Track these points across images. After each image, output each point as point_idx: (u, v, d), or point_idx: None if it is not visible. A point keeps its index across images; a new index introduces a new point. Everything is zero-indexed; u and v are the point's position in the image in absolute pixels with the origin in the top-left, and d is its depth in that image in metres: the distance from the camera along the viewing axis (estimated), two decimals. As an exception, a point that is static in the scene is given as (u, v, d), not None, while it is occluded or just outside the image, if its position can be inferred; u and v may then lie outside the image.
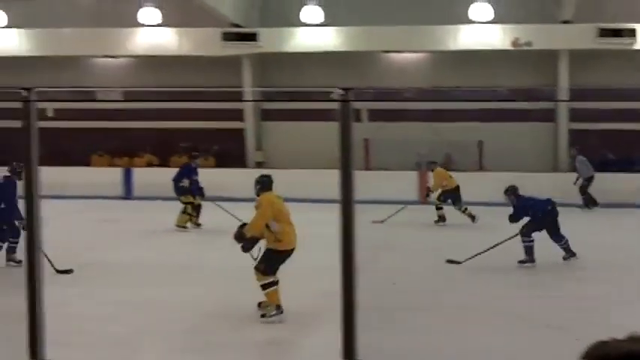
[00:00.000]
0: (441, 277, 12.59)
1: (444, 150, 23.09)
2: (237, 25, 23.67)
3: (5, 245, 13.23)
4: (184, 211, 17.52)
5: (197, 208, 17.77)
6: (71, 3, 24.87)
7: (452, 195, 18.58)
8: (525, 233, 13.50)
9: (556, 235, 13.69)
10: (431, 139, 21.34)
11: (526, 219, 13.62)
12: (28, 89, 4.47)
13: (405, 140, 22.27)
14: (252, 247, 9.60)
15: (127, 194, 23.93)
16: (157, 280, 12.11)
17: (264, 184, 9.86)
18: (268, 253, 9.58)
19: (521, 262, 13.46)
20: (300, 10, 23.60)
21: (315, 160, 21.88)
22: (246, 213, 10.30)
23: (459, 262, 13.35)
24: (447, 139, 21.77)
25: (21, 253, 12.60)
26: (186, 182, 17.61)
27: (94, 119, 25.13)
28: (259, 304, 9.76)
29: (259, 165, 25.10)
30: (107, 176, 23.99)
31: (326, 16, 23.63)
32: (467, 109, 23.53)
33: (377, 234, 14.72)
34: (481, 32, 23.12)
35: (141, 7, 23.90)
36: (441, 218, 18.70)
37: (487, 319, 9.85)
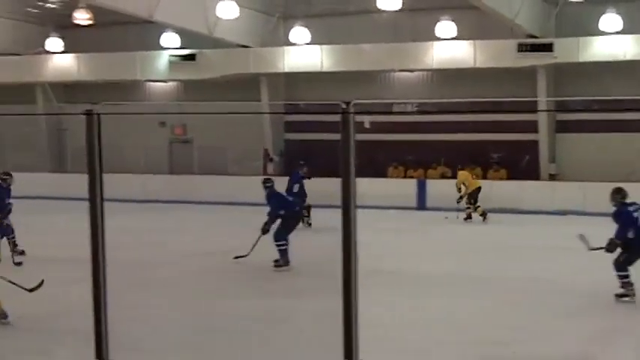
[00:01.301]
0: None
1: None
2: (532, 36, 23.54)
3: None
4: None
5: (307, 210, 19.09)
6: (369, 19, 25.76)
7: (472, 194, 21.20)
8: (277, 237, 13.54)
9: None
10: None
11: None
12: (347, 103, 4.90)
13: None
14: None
15: (421, 205, 24.44)
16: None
17: None
18: None
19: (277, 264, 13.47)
20: (598, 19, 23.04)
21: (614, 173, 21.31)
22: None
23: (244, 256, 13.73)
24: None
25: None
26: (296, 187, 18.74)
27: (390, 132, 25.95)
28: None
29: (552, 177, 24.73)
30: (402, 187, 24.67)
31: (625, 24, 22.90)
32: None
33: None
34: None
35: (438, 21, 24.44)
36: (469, 216, 21.23)
37: None
